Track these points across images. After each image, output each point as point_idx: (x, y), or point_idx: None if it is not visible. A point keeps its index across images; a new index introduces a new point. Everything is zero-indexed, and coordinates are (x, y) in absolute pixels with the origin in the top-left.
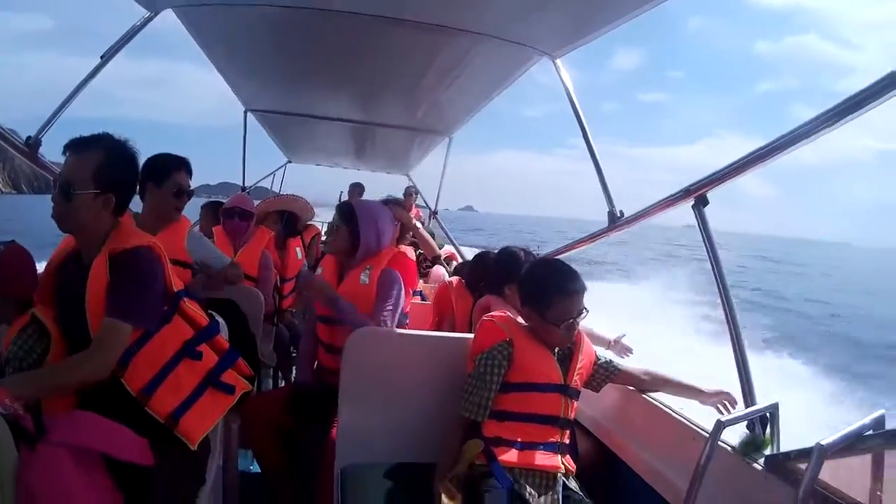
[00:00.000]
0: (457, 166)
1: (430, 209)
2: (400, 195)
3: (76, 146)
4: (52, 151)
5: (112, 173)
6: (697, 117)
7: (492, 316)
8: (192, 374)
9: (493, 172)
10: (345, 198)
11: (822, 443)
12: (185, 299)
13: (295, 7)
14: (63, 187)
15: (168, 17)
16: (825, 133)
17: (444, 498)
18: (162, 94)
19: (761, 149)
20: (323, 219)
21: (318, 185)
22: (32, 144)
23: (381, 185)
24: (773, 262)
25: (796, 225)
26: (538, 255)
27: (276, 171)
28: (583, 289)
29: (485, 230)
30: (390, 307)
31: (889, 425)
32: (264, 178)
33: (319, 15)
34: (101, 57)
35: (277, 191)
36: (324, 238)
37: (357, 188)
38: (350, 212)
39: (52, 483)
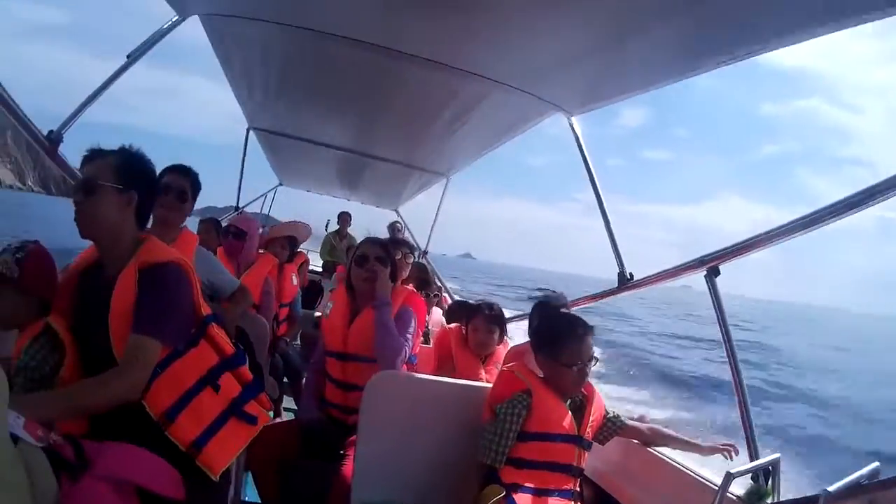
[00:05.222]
0: (454, 210)
1: (419, 248)
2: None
3: (94, 153)
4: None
5: (133, 170)
6: (700, 177)
7: (510, 367)
8: (216, 402)
9: (493, 220)
10: (332, 227)
11: (829, 489)
12: (214, 325)
13: (317, 31)
14: (85, 184)
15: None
16: (840, 219)
17: None
18: (173, 105)
19: (777, 229)
20: (305, 247)
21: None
22: (54, 140)
23: (366, 218)
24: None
25: (794, 290)
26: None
27: (268, 192)
28: (590, 331)
29: (487, 279)
30: (409, 338)
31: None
32: (255, 199)
33: (339, 42)
34: (128, 56)
35: (267, 213)
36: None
37: (348, 216)
38: (388, 250)
39: None
